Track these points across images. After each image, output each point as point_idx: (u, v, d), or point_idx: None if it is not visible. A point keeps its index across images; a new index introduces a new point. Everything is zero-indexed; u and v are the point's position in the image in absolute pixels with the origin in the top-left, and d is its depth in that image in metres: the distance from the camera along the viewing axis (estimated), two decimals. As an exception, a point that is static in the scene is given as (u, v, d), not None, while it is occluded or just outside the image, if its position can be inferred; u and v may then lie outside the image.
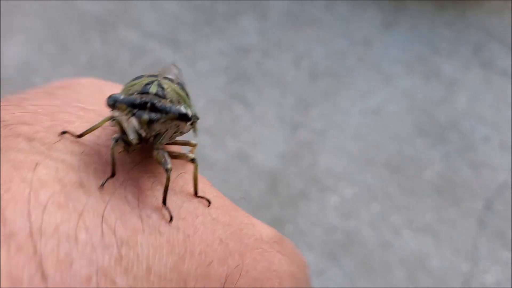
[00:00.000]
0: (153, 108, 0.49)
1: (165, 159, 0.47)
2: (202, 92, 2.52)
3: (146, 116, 0.49)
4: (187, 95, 0.53)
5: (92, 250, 0.37)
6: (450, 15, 2.96)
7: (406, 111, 2.52)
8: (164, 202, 0.44)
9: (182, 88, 0.53)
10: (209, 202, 0.47)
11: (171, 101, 0.49)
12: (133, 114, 0.48)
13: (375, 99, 2.55)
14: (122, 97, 0.50)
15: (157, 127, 0.48)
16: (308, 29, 2.82)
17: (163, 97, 0.51)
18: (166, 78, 0.53)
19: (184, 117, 0.48)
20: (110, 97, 0.50)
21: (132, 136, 0.46)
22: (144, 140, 0.47)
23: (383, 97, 2.56)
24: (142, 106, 0.49)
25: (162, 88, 0.52)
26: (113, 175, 0.46)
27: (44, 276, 0.35)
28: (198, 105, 2.52)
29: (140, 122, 0.48)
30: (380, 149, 2.38)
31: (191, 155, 0.48)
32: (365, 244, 2.11)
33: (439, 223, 2.19)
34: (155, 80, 0.52)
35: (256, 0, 2.94)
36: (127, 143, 0.47)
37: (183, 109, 0.50)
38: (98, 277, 0.37)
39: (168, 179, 0.45)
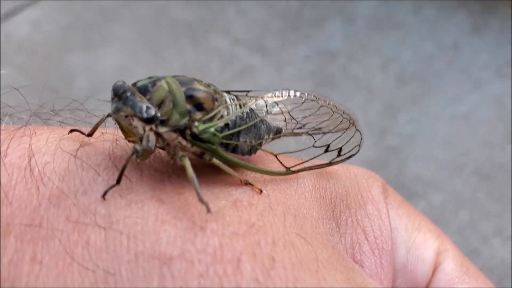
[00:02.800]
0: (124, 100, 0.50)
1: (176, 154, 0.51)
2: (289, 97, 2.56)
3: (114, 105, 0.51)
4: (200, 105, 0.52)
5: None
6: (543, 15, 2.85)
7: (496, 117, 2.46)
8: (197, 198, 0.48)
9: (211, 97, 0.53)
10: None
11: (149, 99, 0.50)
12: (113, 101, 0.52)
13: (464, 105, 2.51)
14: (114, 84, 0.52)
15: (122, 119, 0.50)
16: (395, 33, 2.80)
17: (143, 92, 0.51)
18: (182, 79, 0.53)
19: (140, 116, 0.49)
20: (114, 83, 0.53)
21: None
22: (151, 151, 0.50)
23: (472, 103, 2.51)
24: (120, 96, 0.51)
25: (153, 84, 0.51)
26: (118, 182, 0.49)
27: None
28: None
29: (112, 110, 0.51)
30: (470, 156, 2.35)
31: (181, 153, 0.51)
32: (454, 251, 2.10)
33: (532, 233, 2.13)
34: (163, 78, 0.52)
35: (342, 4, 2.94)
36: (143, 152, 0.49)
37: (143, 108, 0.49)
38: None
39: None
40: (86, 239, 0.45)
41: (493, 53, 2.68)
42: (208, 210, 0.47)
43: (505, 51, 2.67)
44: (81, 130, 0.54)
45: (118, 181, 0.49)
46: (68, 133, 0.54)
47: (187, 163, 0.50)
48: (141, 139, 0.52)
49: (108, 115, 0.54)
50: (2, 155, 0.51)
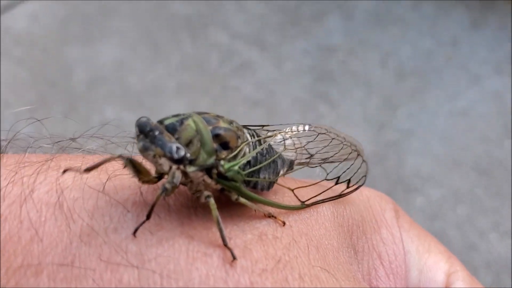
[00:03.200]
0: (152, 139, 0.50)
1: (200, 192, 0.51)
2: (287, 92, 2.57)
3: (141, 143, 0.50)
4: (225, 143, 0.53)
5: None
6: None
7: (495, 112, 2.47)
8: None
9: (235, 135, 0.54)
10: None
11: (178, 138, 0.50)
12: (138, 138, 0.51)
13: (463, 100, 2.51)
14: (138, 121, 0.51)
15: (149, 158, 0.50)
16: (394, 28, 2.81)
17: (171, 131, 0.51)
18: (208, 116, 0.54)
19: (170, 156, 0.49)
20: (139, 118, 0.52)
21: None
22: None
23: (471, 98, 2.52)
24: (147, 134, 0.50)
25: (181, 123, 0.51)
26: (148, 218, 0.48)
27: None
28: (283, 105, 2.58)
29: (139, 148, 0.50)
30: (468, 151, 2.35)
31: (206, 193, 0.51)
32: (451, 246, 2.09)
33: (529, 228, 2.14)
34: (190, 116, 0.52)
35: (341, 0, 2.95)
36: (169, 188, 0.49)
37: (173, 148, 0.49)
38: None
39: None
40: (119, 278, 0.45)
41: (492, 49, 2.69)
42: (234, 257, 0.48)
43: (504, 47, 2.69)
44: (75, 169, 0.52)
45: (148, 217, 0.49)
46: (62, 174, 0.52)
47: (213, 205, 0.51)
48: (157, 177, 0.52)
49: (119, 157, 0.53)
50: (27, 190, 0.51)
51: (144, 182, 0.53)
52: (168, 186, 0.49)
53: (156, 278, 0.45)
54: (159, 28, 2.83)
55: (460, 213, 2.19)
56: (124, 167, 0.52)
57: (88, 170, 0.52)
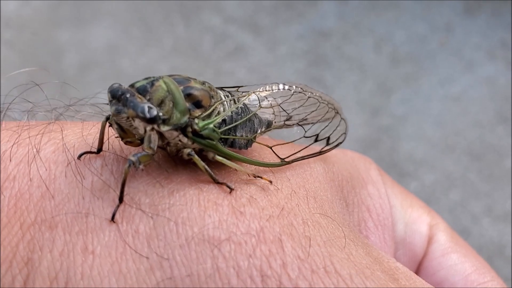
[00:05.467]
0: (124, 102, 0.51)
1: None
2: (281, 76, 2.56)
3: (113, 107, 0.51)
4: (199, 102, 0.54)
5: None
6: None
7: (488, 98, 2.49)
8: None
9: (208, 95, 0.54)
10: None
11: (149, 99, 0.51)
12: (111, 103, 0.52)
13: (456, 85, 2.53)
14: (110, 87, 0.52)
15: (123, 121, 0.50)
16: (388, 13, 2.80)
17: (143, 93, 0.51)
18: (179, 78, 0.54)
19: (142, 116, 0.50)
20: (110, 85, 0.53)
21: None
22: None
23: (464, 84, 2.53)
24: (119, 98, 0.51)
25: (152, 85, 0.52)
26: (120, 201, 0.49)
27: None
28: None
29: (112, 112, 0.51)
30: (461, 136, 2.37)
31: (187, 150, 0.52)
32: (444, 230, 2.11)
33: (522, 212, 2.16)
34: (160, 78, 0.53)
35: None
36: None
37: (145, 108, 0.50)
38: None
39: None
40: (135, 228, 0.47)
41: (485, 35, 2.70)
42: (230, 188, 0.50)
43: (497, 33, 2.70)
44: (91, 151, 0.54)
45: (121, 200, 0.49)
46: (78, 158, 0.53)
47: (197, 159, 0.52)
48: (140, 139, 0.53)
49: (107, 119, 0.54)
50: (34, 149, 0.52)
51: (127, 143, 0.54)
52: (133, 158, 0.49)
53: (171, 225, 0.47)
54: (151, 10, 2.80)
55: (453, 197, 2.21)
56: (110, 125, 0.53)
57: (99, 150, 0.53)
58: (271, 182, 0.54)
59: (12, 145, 0.52)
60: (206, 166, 0.51)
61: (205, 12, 2.78)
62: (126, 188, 0.49)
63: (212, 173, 0.51)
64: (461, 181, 2.25)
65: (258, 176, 0.54)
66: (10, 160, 0.51)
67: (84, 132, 0.56)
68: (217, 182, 0.51)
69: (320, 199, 0.57)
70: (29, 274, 0.45)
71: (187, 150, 0.53)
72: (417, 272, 0.69)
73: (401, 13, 2.80)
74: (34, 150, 0.51)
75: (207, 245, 0.46)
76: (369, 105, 2.46)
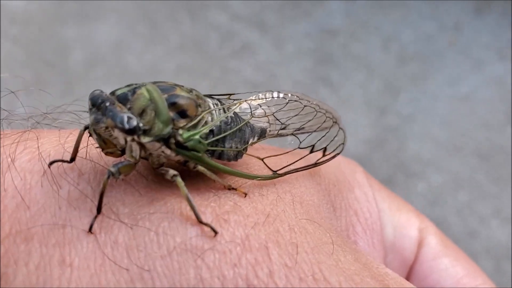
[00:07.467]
0: (104, 111, 0.48)
1: (165, 171, 0.49)
2: (288, 75, 2.55)
3: (92, 116, 0.49)
4: (183, 112, 0.51)
5: None
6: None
7: (496, 98, 2.46)
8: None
9: (194, 104, 0.51)
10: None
11: (130, 108, 0.48)
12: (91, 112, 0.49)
13: (464, 85, 2.50)
14: (91, 94, 0.50)
15: (102, 131, 0.48)
16: (396, 11, 2.77)
17: (123, 101, 0.49)
18: (164, 85, 0.52)
19: (121, 127, 0.47)
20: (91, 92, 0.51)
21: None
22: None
23: (473, 84, 2.50)
24: (99, 106, 0.49)
25: (133, 93, 0.50)
26: (98, 212, 0.47)
27: None
28: (283, 88, 2.52)
29: (90, 121, 0.49)
30: (469, 137, 2.34)
31: (172, 172, 0.49)
32: (451, 232, 2.10)
33: (531, 214, 2.14)
34: (143, 85, 0.50)
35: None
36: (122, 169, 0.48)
37: (124, 118, 0.47)
38: None
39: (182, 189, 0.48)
40: (114, 239, 0.45)
41: (494, 34, 2.68)
42: (215, 232, 0.47)
43: (506, 33, 2.67)
44: (62, 159, 0.51)
45: (99, 211, 0.47)
46: (48, 166, 0.50)
47: (180, 183, 0.49)
48: (121, 150, 0.50)
49: (86, 129, 0.51)
50: (9, 159, 0.50)
51: (108, 154, 0.52)
52: (113, 169, 0.47)
53: (151, 235, 0.45)
54: (157, 7, 2.78)
55: (461, 199, 2.19)
56: (89, 136, 0.51)
57: (73, 159, 0.51)
58: (245, 194, 0.52)
59: None
60: (189, 195, 0.48)
61: (211, 10, 2.76)
62: (104, 198, 0.47)
63: (196, 208, 0.48)
64: (468, 182, 2.23)
65: (233, 188, 0.52)
66: None
67: (61, 140, 0.54)
68: (200, 222, 0.47)
69: (307, 204, 0.56)
70: None
71: (171, 173, 0.50)
72: (409, 276, 0.68)
73: (409, 12, 2.78)
74: (9, 159, 0.49)
75: (190, 255, 0.44)
76: (376, 105, 2.44)
